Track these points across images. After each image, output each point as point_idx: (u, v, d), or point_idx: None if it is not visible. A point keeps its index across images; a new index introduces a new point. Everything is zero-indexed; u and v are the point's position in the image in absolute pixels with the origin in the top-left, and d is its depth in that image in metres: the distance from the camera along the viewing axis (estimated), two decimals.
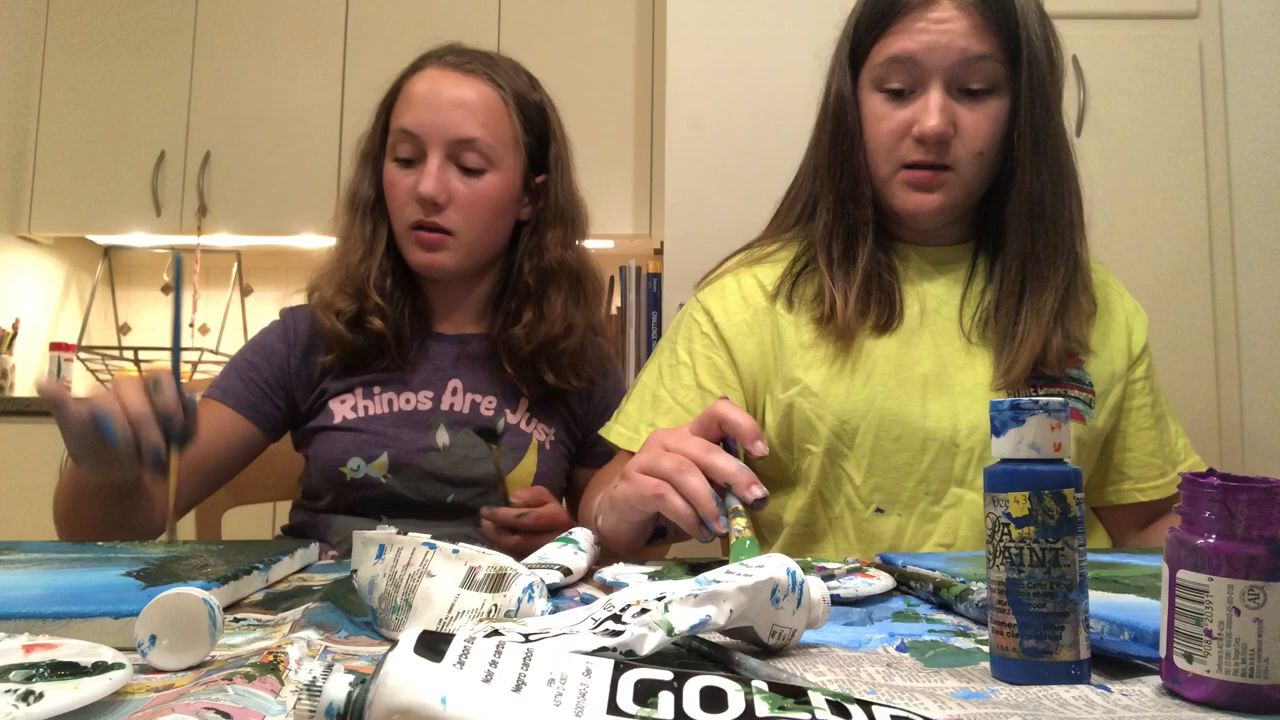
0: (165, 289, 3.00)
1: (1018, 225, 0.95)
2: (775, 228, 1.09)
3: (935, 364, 0.97)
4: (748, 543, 0.67)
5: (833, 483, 0.97)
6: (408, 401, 1.08)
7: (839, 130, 0.98)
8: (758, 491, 0.69)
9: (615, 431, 1.03)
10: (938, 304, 1.00)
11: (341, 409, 1.07)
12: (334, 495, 1.06)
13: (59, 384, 0.74)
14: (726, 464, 0.70)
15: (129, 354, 2.57)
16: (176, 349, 0.86)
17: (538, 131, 1.12)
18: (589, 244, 1.19)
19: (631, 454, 0.94)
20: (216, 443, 1.03)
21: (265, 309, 2.93)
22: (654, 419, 1.00)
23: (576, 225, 1.16)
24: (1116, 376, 1.02)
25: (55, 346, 2.75)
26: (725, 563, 0.59)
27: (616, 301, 2.48)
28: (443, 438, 1.07)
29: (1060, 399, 0.47)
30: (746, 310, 1.02)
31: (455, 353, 1.12)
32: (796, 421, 0.97)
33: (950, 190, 0.95)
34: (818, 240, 1.00)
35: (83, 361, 2.67)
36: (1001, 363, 0.95)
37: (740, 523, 0.68)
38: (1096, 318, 1.01)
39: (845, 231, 0.98)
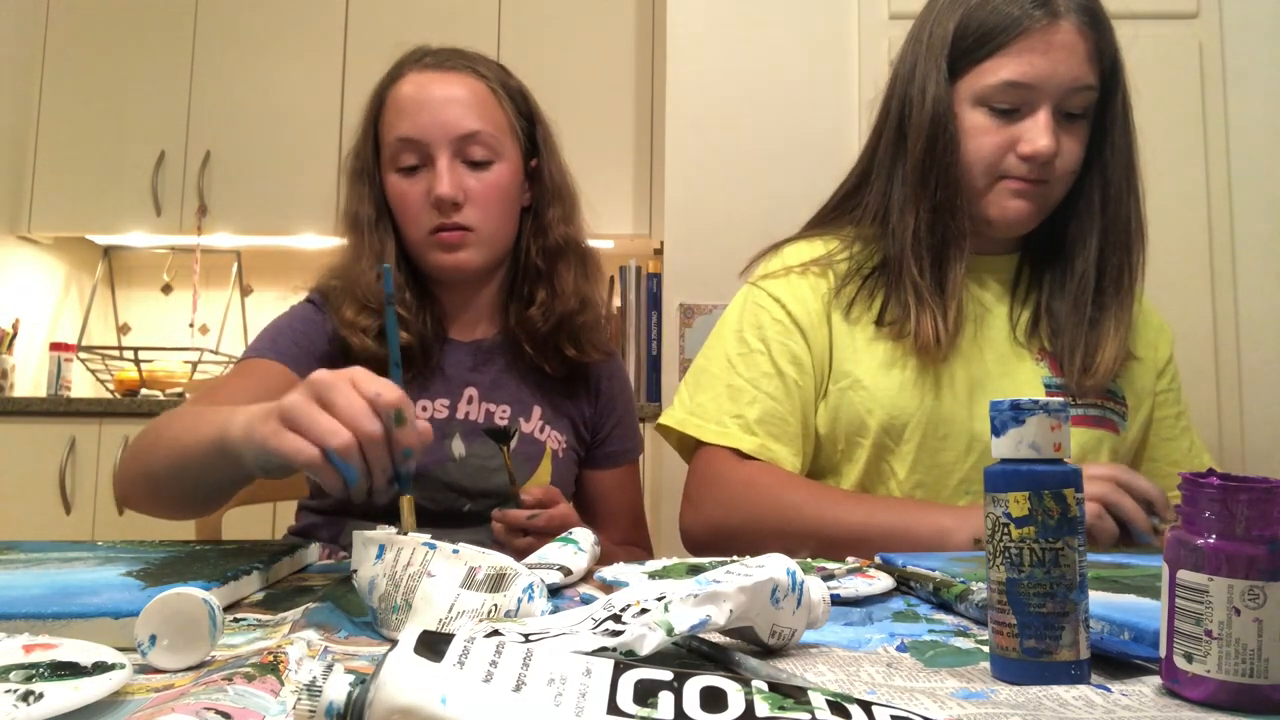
0: (165, 289, 2.99)
1: (1100, 242, 0.99)
2: (826, 220, 1.10)
3: (984, 367, 0.99)
4: None
5: (875, 475, 0.99)
6: (424, 409, 1.07)
7: (939, 141, 0.97)
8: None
9: (694, 425, 1.02)
10: (986, 310, 1.03)
11: None
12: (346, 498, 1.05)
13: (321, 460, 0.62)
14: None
15: (129, 354, 2.57)
16: (396, 364, 0.73)
17: (526, 115, 1.13)
18: (590, 244, 1.19)
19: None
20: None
21: (265, 309, 2.93)
22: (739, 410, 1.00)
23: (572, 201, 1.16)
24: (1147, 390, 1.06)
25: (55, 346, 2.74)
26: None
27: (616, 301, 2.47)
28: (459, 448, 1.07)
29: (1060, 399, 0.47)
30: (816, 302, 1.03)
31: (471, 360, 1.13)
32: (846, 414, 0.99)
33: (1043, 203, 0.98)
34: (903, 248, 0.99)
35: (83, 361, 2.67)
36: (1073, 371, 0.98)
37: None
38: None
39: (938, 244, 0.98)
